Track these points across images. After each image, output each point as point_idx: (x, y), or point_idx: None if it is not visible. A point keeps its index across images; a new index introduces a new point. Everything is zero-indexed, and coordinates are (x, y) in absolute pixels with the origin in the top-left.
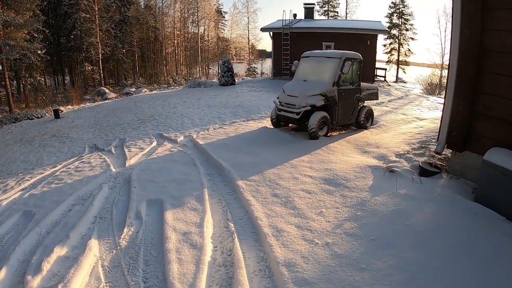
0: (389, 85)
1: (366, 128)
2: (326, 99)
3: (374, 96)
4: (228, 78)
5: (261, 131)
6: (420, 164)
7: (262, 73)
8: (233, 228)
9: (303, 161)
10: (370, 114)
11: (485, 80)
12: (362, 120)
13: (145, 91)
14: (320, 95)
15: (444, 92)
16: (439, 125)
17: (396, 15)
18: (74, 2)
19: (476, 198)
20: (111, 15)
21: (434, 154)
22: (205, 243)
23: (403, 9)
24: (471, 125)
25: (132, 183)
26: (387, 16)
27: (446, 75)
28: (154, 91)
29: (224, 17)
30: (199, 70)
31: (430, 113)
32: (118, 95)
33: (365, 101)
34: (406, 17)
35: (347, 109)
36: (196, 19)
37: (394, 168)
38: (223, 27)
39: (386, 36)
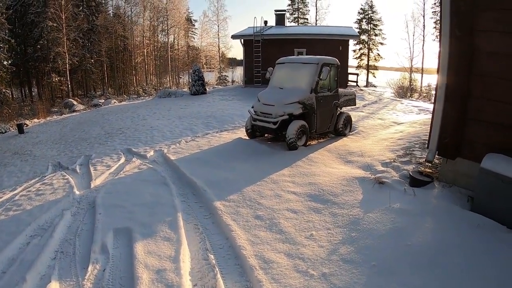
0: (362, 89)
1: (345, 135)
2: (304, 107)
3: (352, 102)
4: (199, 87)
5: (236, 143)
6: (411, 174)
7: (233, 81)
8: (213, 261)
9: (284, 175)
10: (348, 120)
11: (477, 83)
12: (341, 127)
13: (114, 102)
14: (298, 103)
15: (415, 94)
16: (429, 132)
17: (365, 21)
18: (41, 11)
19: (474, 207)
20: (78, 23)
21: (421, 161)
22: (182, 282)
23: (372, 15)
24: (462, 131)
25: (97, 208)
26: (356, 22)
27: (436, 80)
28: (123, 102)
29: (194, 25)
30: (169, 80)
31: (406, 117)
32: (86, 107)
33: (343, 107)
34: (375, 23)
35: (325, 117)
36: (166, 28)
37: (383, 179)
38: (193, 35)
39: (355, 42)
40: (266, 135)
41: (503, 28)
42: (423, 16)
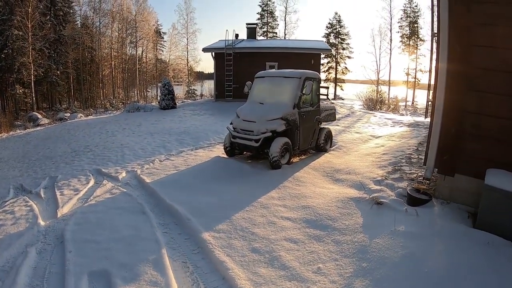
0: (332, 102)
1: (326, 151)
2: (287, 123)
3: (332, 117)
4: (169, 101)
5: (215, 162)
6: (409, 192)
7: (201, 95)
8: None
9: (273, 198)
10: (329, 136)
11: (474, 98)
12: (322, 143)
13: (81, 116)
14: (281, 119)
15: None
16: (426, 149)
17: (333, 35)
18: (6, 18)
19: (477, 224)
20: (45, 33)
21: (412, 177)
22: None
23: (339, 29)
24: (461, 147)
25: (67, 245)
26: (324, 36)
27: (430, 95)
28: (90, 117)
29: (163, 38)
30: (137, 93)
31: (382, 130)
32: (52, 120)
33: (323, 123)
34: (342, 37)
35: (308, 133)
36: (135, 40)
37: (381, 199)
38: (161, 48)
39: (324, 55)
40: (245, 152)
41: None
42: (390, 30)
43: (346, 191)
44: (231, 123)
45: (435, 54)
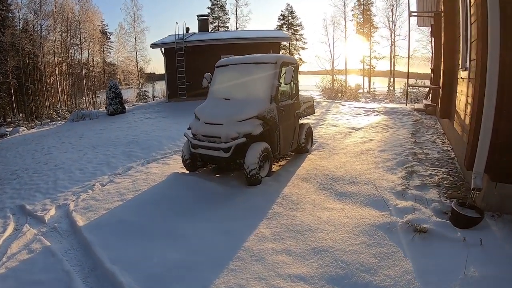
0: None
1: (307, 151)
2: (265, 123)
3: (311, 109)
4: (116, 105)
5: (173, 183)
6: (456, 210)
7: (153, 97)
8: None
9: (266, 238)
10: (310, 133)
11: None
12: (303, 143)
13: (23, 130)
14: (256, 118)
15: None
16: (469, 149)
17: (286, 27)
18: None
19: None
20: None
21: (438, 183)
22: None
23: (292, 20)
24: None
25: None
26: (277, 28)
27: (475, 87)
28: (33, 130)
29: (109, 38)
30: (86, 100)
31: (358, 120)
32: None
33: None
34: (295, 28)
35: (289, 133)
36: (79, 42)
37: (422, 225)
38: (109, 49)
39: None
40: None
41: None
42: (344, 19)
43: (364, 213)
44: (189, 128)
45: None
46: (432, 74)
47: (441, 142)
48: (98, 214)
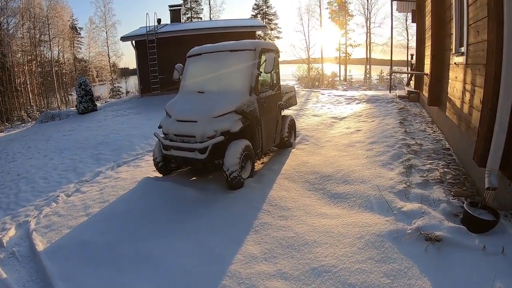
0: None
1: (291, 145)
2: (245, 118)
3: (293, 100)
4: (87, 103)
5: (145, 191)
6: (471, 213)
7: (127, 93)
8: None
9: (256, 257)
10: (293, 126)
11: None
12: (286, 136)
13: None
14: (235, 112)
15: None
16: (480, 144)
17: (260, 16)
18: None
19: None
20: None
21: (440, 179)
22: None
23: (266, 9)
24: None
25: None
26: (251, 18)
27: (487, 73)
28: (1, 134)
29: (80, 33)
30: (58, 99)
31: (340, 109)
32: None
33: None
34: (270, 17)
35: (271, 127)
36: (48, 39)
37: (435, 232)
38: (79, 45)
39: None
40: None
41: None
42: (320, 6)
43: (365, 219)
44: (160, 127)
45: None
46: (411, 61)
47: (432, 131)
48: (60, 234)
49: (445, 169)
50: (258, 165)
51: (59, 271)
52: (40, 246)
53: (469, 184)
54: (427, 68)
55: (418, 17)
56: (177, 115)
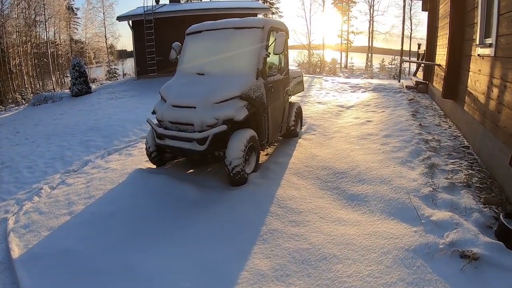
0: None
1: (297, 135)
2: (251, 105)
3: (300, 86)
4: (81, 85)
5: (135, 186)
6: (509, 227)
7: (124, 74)
8: None
9: (266, 276)
10: (300, 114)
11: None
12: (293, 125)
13: None
14: (239, 98)
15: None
16: None
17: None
18: None
19: None
20: None
21: (463, 181)
22: None
23: None
24: None
25: None
26: (253, 0)
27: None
28: None
29: (76, 14)
30: (53, 81)
31: (346, 97)
32: None
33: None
34: (271, 1)
35: (278, 115)
36: (44, 20)
37: (472, 249)
38: (76, 26)
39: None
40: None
41: None
42: None
43: (390, 229)
44: (153, 112)
45: None
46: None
47: (447, 126)
48: (39, 237)
49: (469, 171)
50: (262, 156)
51: (35, 285)
52: (15, 252)
53: (497, 190)
54: (439, 59)
55: (430, 6)
56: (173, 100)
